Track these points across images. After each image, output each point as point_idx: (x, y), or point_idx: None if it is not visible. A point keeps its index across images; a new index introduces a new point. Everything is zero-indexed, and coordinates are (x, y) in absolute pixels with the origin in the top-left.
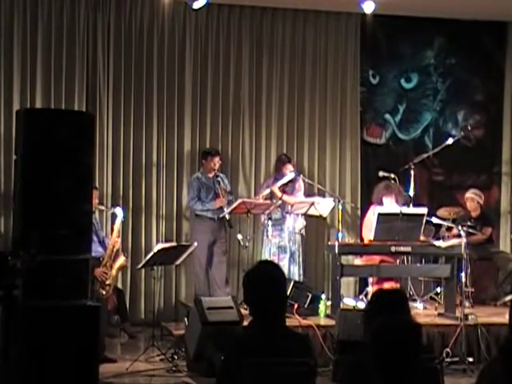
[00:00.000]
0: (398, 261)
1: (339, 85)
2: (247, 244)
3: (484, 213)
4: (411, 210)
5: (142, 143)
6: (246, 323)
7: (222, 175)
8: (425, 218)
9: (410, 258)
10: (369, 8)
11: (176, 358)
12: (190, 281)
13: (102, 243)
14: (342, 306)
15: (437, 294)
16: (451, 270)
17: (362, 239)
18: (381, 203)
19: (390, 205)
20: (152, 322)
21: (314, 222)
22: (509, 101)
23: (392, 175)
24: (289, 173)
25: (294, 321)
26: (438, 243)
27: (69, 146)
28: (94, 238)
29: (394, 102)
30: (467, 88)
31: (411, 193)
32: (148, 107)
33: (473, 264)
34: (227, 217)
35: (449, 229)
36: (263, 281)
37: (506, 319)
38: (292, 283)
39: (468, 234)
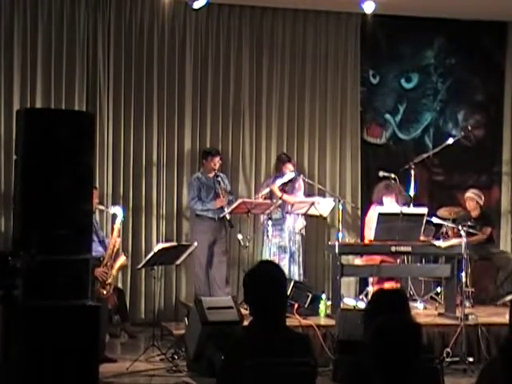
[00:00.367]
0: (398, 261)
1: (339, 85)
2: (247, 244)
3: (484, 213)
4: (411, 209)
5: (143, 143)
6: (246, 323)
7: (222, 175)
8: (425, 218)
9: (410, 257)
10: (369, 8)
11: (176, 357)
12: (190, 281)
13: (102, 243)
14: (342, 305)
15: (437, 293)
16: (451, 269)
17: (363, 238)
18: (381, 203)
19: (390, 204)
20: (152, 321)
21: (314, 222)
22: (509, 101)
23: (392, 175)
24: (289, 172)
25: (294, 321)
26: (438, 243)
27: (69, 146)
28: (94, 238)
29: (394, 102)
30: (467, 88)
31: (411, 193)
32: (148, 107)
33: (473, 264)
34: (227, 217)
35: (449, 229)
36: (263, 281)
37: (506, 319)
38: (292, 283)
39: (468, 234)
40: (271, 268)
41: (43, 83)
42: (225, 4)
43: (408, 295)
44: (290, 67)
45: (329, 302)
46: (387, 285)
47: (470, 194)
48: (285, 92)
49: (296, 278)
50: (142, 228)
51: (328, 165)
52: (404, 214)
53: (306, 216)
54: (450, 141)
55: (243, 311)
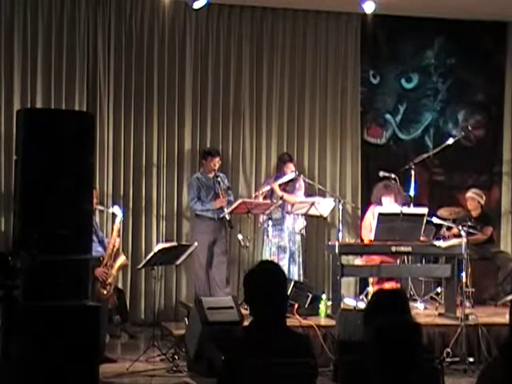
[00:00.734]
0: (398, 261)
1: (339, 85)
2: (247, 244)
3: (484, 213)
4: (411, 209)
5: (143, 143)
6: (246, 323)
7: (222, 175)
8: (425, 218)
9: (410, 258)
10: (369, 8)
11: (176, 358)
12: (190, 281)
13: (102, 243)
14: (342, 306)
15: (437, 294)
16: (452, 269)
17: (361, 239)
18: (380, 203)
19: (389, 204)
20: (152, 321)
21: (315, 222)
22: (509, 101)
23: (392, 175)
24: (290, 172)
25: (294, 321)
26: (438, 243)
27: (69, 146)
28: (94, 238)
29: (394, 102)
30: (467, 88)
31: (411, 193)
32: (148, 107)
33: (473, 264)
34: (227, 217)
35: (449, 229)
36: (264, 281)
37: (506, 319)
38: (292, 283)
39: (468, 234)
40: (271, 268)
41: (43, 83)
42: (225, 4)
43: (408, 295)
44: (290, 67)
45: (329, 303)
46: (387, 285)
47: (472, 193)
48: (285, 92)
49: (296, 278)
50: (142, 228)
51: (328, 165)
52: (404, 214)
53: (306, 216)
54: (450, 141)
55: (243, 311)
